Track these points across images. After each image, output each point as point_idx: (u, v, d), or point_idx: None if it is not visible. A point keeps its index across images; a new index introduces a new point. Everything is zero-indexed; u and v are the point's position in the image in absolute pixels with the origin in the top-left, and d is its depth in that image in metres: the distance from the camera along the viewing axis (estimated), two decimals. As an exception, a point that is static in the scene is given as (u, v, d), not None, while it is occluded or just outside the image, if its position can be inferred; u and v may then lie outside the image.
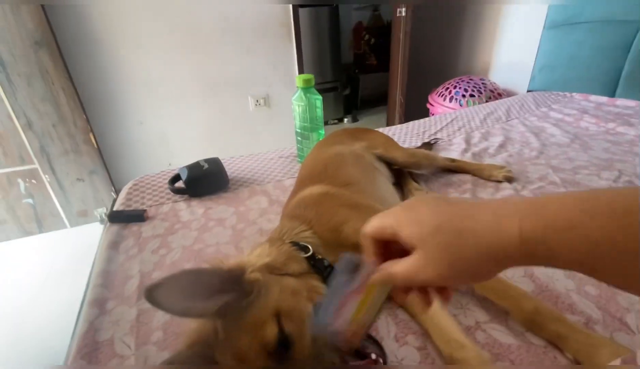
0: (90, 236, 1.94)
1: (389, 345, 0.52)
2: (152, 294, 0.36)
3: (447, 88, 2.08)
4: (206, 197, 0.98)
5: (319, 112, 1.10)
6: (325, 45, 3.50)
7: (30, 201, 1.88)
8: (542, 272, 0.64)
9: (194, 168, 0.98)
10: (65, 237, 1.97)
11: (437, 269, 0.27)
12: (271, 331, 0.40)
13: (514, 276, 0.63)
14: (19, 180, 1.82)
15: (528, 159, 1.13)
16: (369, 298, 0.35)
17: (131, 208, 0.93)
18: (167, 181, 1.04)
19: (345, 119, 3.76)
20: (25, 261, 1.80)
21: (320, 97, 1.07)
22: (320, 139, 1.09)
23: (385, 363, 0.40)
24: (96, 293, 0.63)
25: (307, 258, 0.54)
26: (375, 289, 0.35)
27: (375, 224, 0.32)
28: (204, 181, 0.97)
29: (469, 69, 2.41)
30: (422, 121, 1.59)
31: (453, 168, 1.05)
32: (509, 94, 2.06)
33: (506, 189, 0.95)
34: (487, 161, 1.14)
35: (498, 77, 2.20)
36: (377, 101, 3.93)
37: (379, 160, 0.94)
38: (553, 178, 0.99)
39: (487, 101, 1.91)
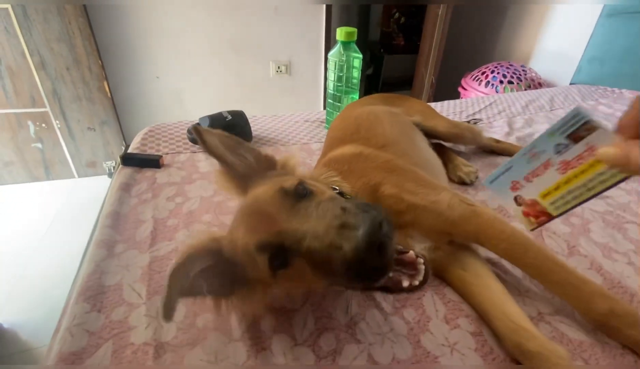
0: (98, 188, 1.89)
1: (438, 326, 0.45)
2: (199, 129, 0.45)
3: (484, 72, 1.95)
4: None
5: (356, 73, 1.00)
6: (354, 18, 3.33)
7: (39, 145, 1.82)
8: (612, 268, 0.55)
9: (216, 119, 0.90)
10: (72, 187, 1.92)
11: None
12: (292, 181, 0.39)
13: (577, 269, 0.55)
14: (29, 122, 1.75)
15: (578, 149, 1.03)
16: (582, 178, 0.27)
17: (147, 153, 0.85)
18: (184, 130, 0.96)
19: (365, 100, 3.62)
20: (31, 207, 1.76)
21: (360, 55, 0.97)
22: (353, 103, 1.00)
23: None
24: (104, 234, 0.56)
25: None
26: (598, 169, 0.26)
27: None
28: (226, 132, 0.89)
29: (507, 55, 2.26)
30: (458, 101, 1.47)
31: (498, 150, 0.95)
32: (550, 85, 1.92)
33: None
34: (533, 146, 1.04)
35: (539, 66, 2.05)
36: (400, 84, 3.77)
37: (417, 128, 0.84)
38: (610, 170, 0.89)
39: (526, 89, 1.78)
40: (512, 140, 1.07)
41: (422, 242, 0.51)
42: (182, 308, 0.45)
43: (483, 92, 1.88)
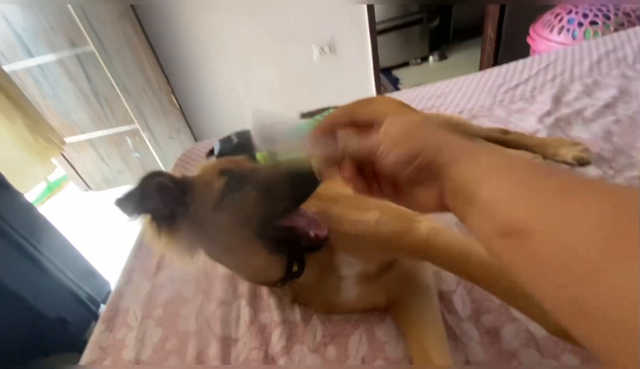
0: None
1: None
2: None
3: (558, 14, 1.56)
4: (237, 170, 1.01)
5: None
6: (408, -32, 2.97)
7: (137, 154, 2.28)
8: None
9: (225, 142, 1.01)
10: (165, 185, 2.37)
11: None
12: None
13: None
14: (127, 137, 2.20)
15: (645, 128, 0.80)
16: None
17: (176, 179, 1.03)
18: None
19: (431, 57, 3.25)
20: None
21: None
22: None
23: None
24: (129, 264, 0.75)
25: None
26: None
27: None
28: (233, 154, 0.99)
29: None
30: (503, 67, 1.26)
31: (505, 142, 0.80)
32: (662, 14, 1.43)
33: (587, 176, 0.70)
34: (576, 129, 0.86)
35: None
36: (475, 31, 3.26)
37: None
38: (674, 163, 0.69)
39: (615, 30, 1.38)
40: (549, 122, 0.90)
41: (352, 267, 0.51)
42: (159, 330, 0.59)
43: (556, 43, 1.53)
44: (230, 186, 0.44)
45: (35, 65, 1.91)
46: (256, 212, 0.45)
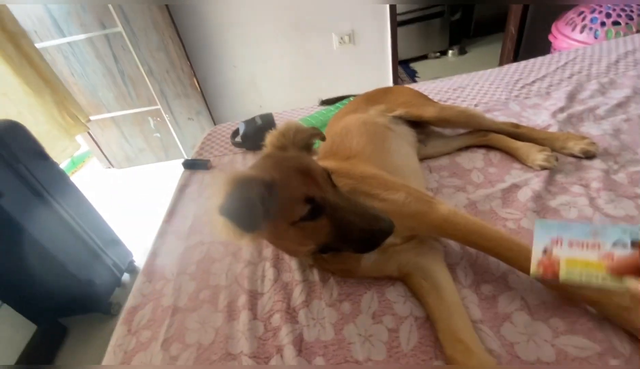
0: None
1: (363, 320, 0.55)
2: None
3: (582, 12, 1.57)
4: (261, 152, 1.08)
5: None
6: (431, -39, 2.94)
7: (157, 134, 2.37)
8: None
9: (249, 124, 1.08)
10: (183, 165, 2.46)
11: None
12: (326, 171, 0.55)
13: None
14: (149, 118, 2.29)
15: (653, 127, 0.84)
16: (606, 272, 0.31)
17: (203, 157, 1.11)
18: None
19: (450, 51, 3.23)
20: (159, 182, 2.35)
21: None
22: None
23: None
24: (162, 227, 0.83)
25: None
26: (612, 280, 0.30)
27: None
28: (257, 136, 1.06)
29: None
30: (521, 64, 1.28)
31: (515, 135, 0.85)
32: (685, 16, 1.43)
33: (592, 169, 0.74)
34: (587, 126, 0.89)
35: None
36: (497, 26, 3.22)
37: (400, 122, 0.85)
38: (677, 160, 0.73)
39: (637, 31, 1.38)
40: (562, 117, 0.93)
41: None
42: (193, 283, 0.67)
43: (576, 41, 1.54)
44: (309, 215, 0.49)
45: (65, 42, 1.99)
46: (323, 239, 0.51)
